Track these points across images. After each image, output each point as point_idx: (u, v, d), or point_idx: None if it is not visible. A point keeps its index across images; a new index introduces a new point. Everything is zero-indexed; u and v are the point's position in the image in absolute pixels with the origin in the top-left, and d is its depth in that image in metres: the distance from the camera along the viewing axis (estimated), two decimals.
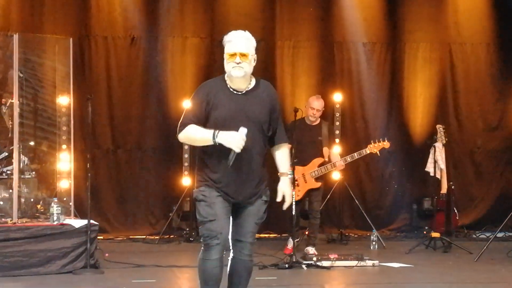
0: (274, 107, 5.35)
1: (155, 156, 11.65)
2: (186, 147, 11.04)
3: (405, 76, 12.14)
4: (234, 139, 5.05)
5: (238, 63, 5.13)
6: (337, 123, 11.35)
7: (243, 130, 5.06)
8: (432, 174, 10.77)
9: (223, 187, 5.21)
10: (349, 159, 9.73)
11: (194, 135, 5.18)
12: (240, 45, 5.17)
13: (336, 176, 11.19)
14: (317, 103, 9.68)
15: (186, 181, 11.03)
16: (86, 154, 9.68)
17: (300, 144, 9.22)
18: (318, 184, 9.63)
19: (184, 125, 5.22)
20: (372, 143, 9.73)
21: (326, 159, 9.71)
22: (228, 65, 5.16)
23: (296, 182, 9.40)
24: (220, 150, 5.13)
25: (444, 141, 10.87)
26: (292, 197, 5.37)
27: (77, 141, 10.52)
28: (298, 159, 9.20)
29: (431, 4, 12.10)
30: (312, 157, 9.54)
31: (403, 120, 12.10)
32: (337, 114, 11.41)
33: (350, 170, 11.64)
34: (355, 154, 9.74)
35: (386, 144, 9.78)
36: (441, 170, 10.93)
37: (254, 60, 5.26)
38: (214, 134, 5.07)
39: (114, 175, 11.66)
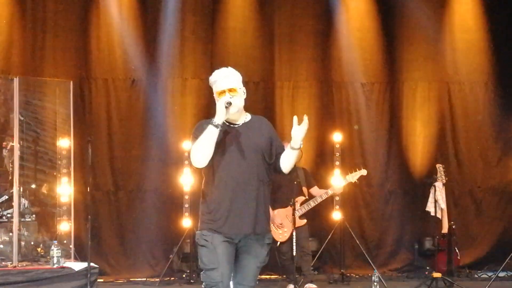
0: (273, 136, 5.36)
1: (156, 198, 11.60)
2: (186, 188, 10.98)
3: (404, 115, 12.13)
4: (220, 104, 5.10)
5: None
6: (337, 163, 11.31)
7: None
8: (432, 213, 10.70)
9: (225, 222, 5.13)
10: (330, 192, 9.92)
11: (200, 143, 5.11)
12: (226, 81, 5.22)
13: (336, 216, 11.16)
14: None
15: (186, 222, 10.95)
16: (87, 196, 9.66)
17: (279, 187, 9.34)
18: (303, 222, 9.72)
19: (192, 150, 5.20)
20: (350, 173, 9.91)
21: (307, 197, 9.82)
22: (218, 102, 5.17)
23: (280, 224, 9.49)
24: (221, 183, 5.13)
25: (444, 181, 10.83)
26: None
27: (77, 183, 10.51)
28: (279, 202, 9.32)
29: (428, 43, 12.13)
30: (291, 197, 9.51)
31: (402, 159, 12.06)
32: (337, 154, 11.37)
33: (350, 210, 11.60)
34: (335, 186, 10.02)
35: (363, 172, 9.97)
36: (441, 209, 10.88)
37: (244, 92, 5.31)
38: (211, 122, 5.06)
39: (114, 216, 11.60)
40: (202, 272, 5.22)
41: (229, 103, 5.11)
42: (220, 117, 5.09)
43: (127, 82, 11.69)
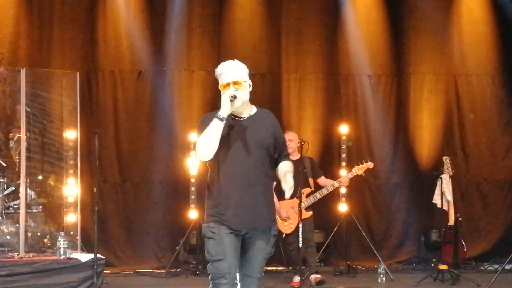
0: (278, 133, 5.34)
1: (162, 189, 11.61)
2: (193, 180, 10.99)
3: (411, 107, 12.11)
4: (225, 97, 5.07)
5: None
6: (344, 155, 11.30)
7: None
8: (439, 206, 10.69)
9: (231, 216, 5.12)
10: (336, 184, 9.89)
11: (206, 136, 5.08)
12: (231, 74, 5.18)
13: (343, 208, 11.17)
14: (288, 135, 9.69)
15: (193, 214, 10.96)
16: (93, 187, 9.67)
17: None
18: (309, 214, 9.68)
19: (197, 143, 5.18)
20: (356, 166, 9.90)
21: (313, 189, 9.80)
22: (223, 95, 5.15)
23: (286, 216, 9.49)
24: (227, 177, 5.12)
25: (451, 173, 10.81)
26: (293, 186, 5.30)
27: (84, 175, 10.53)
28: (285, 193, 9.24)
29: (436, 35, 12.09)
30: (298, 189, 9.47)
31: (409, 151, 12.05)
32: (343, 146, 11.37)
33: (357, 202, 11.60)
34: (342, 178, 10.02)
35: (370, 165, 9.96)
36: (448, 202, 10.85)
37: (250, 86, 5.27)
38: (216, 116, 5.05)
39: (121, 208, 11.60)
40: (208, 264, 5.21)
41: (234, 97, 5.08)
42: (224, 110, 5.07)
43: (134, 74, 11.68)
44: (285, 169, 5.25)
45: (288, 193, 5.23)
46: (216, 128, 5.06)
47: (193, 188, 10.99)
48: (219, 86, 5.23)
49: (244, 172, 5.13)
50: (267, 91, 11.81)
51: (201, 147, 5.12)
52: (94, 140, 9.21)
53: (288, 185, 5.21)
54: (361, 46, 12.02)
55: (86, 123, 10.72)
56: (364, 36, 12.02)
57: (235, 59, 5.29)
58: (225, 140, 5.12)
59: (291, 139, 9.78)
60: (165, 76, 11.69)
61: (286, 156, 5.41)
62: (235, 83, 5.16)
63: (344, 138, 11.41)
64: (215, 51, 11.79)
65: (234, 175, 5.13)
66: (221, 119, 5.05)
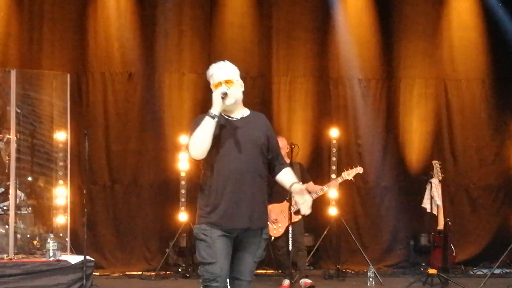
0: (270, 135, 5.35)
1: (152, 192, 11.58)
2: (183, 182, 10.97)
3: (401, 111, 12.11)
4: (215, 95, 5.08)
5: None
6: (334, 159, 11.30)
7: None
8: (428, 210, 10.71)
9: (223, 215, 5.11)
10: (325, 188, 9.84)
11: (198, 134, 5.06)
12: (222, 73, 5.22)
13: (332, 212, 11.16)
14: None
15: (183, 216, 10.93)
16: (83, 189, 9.63)
17: (275, 182, 9.25)
18: (298, 217, 9.64)
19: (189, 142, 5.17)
20: (346, 171, 9.84)
21: None
22: (214, 93, 5.15)
23: (275, 219, 9.47)
24: (219, 177, 5.11)
25: (441, 177, 10.83)
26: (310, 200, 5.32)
27: (74, 176, 10.51)
28: (274, 196, 9.23)
29: (426, 40, 12.11)
30: (287, 193, 9.43)
31: (399, 155, 12.04)
32: (334, 150, 11.36)
33: (346, 206, 11.59)
34: (331, 183, 9.99)
35: (360, 170, 9.88)
36: (437, 206, 10.87)
37: (241, 85, 5.29)
38: (208, 113, 5.04)
39: (110, 210, 11.56)
40: (200, 266, 5.18)
41: (225, 94, 5.08)
42: (216, 107, 5.05)
43: (124, 75, 11.64)
44: (300, 187, 5.27)
45: (305, 210, 5.22)
46: (208, 126, 5.04)
47: (183, 191, 10.97)
48: (211, 87, 5.22)
49: (237, 172, 5.12)
50: (258, 94, 11.79)
51: (194, 145, 5.10)
52: (84, 142, 9.17)
53: (306, 203, 5.22)
54: (352, 50, 12.01)
55: (76, 124, 10.70)
56: (355, 40, 12.02)
57: (226, 60, 5.29)
58: (218, 139, 5.12)
59: (280, 147, 9.73)
60: (156, 78, 11.66)
61: (285, 164, 5.43)
62: (227, 81, 5.19)
63: (334, 142, 11.40)
64: (205, 53, 11.77)
65: (227, 175, 5.12)
66: (213, 117, 5.04)
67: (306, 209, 5.23)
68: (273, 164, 5.37)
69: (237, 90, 5.21)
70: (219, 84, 5.17)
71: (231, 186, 5.11)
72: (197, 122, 5.16)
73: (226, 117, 5.21)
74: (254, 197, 5.18)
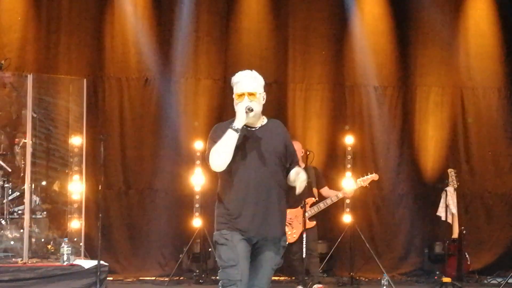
0: (288, 142, 5.37)
1: (167, 197, 11.55)
2: (197, 188, 10.95)
3: (417, 119, 12.05)
4: (240, 109, 5.10)
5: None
6: (349, 165, 11.25)
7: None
8: (443, 218, 10.66)
9: (244, 223, 5.13)
10: (340, 195, 9.81)
11: (220, 147, 5.09)
12: (247, 84, 5.20)
13: (347, 219, 11.10)
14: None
15: (197, 222, 10.90)
16: (98, 194, 9.63)
17: (290, 187, 9.22)
18: (312, 224, 9.60)
19: (209, 152, 5.17)
20: (361, 177, 9.82)
21: (317, 199, 9.72)
22: (238, 106, 5.17)
23: (289, 225, 9.45)
24: (240, 187, 5.13)
25: (456, 185, 10.78)
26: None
27: (89, 181, 10.50)
28: (289, 202, 9.17)
29: (442, 48, 12.05)
30: (303, 198, 9.39)
31: (414, 163, 11.99)
32: (349, 157, 11.31)
33: (361, 213, 11.53)
34: (346, 189, 9.91)
35: (375, 177, 9.87)
36: (452, 214, 10.80)
37: (264, 98, 5.29)
38: (231, 127, 5.07)
39: (125, 215, 11.56)
40: (220, 271, 5.17)
41: (251, 109, 5.11)
42: (240, 121, 5.10)
43: (141, 81, 11.65)
44: (296, 170, 5.31)
45: (298, 189, 5.24)
46: (230, 139, 5.08)
47: (197, 197, 10.95)
48: (234, 95, 5.21)
49: (258, 181, 5.16)
50: (273, 100, 11.73)
51: (216, 157, 5.12)
52: (100, 147, 9.18)
53: (300, 179, 5.22)
54: (368, 57, 11.97)
55: (92, 129, 10.70)
56: (371, 47, 11.98)
57: (253, 70, 5.29)
58: (239, 149, 5.15)
59: (296, 149, 9.72)
60: (172, 83, 11.65)
61: (296, 163, 5.45)
62: (250, 94, 5.18)
63: (349, 148, 11.35)
64: (221, 59, 11.76)
65: (248, 184, 5.15)
66: (236, 130, 5.08)
67: (299, 187, 5.25)
68: (289, 170, 5.38)
69: (258, 104, 5.21)
70: (242, 95, 5.17)
71: (252, 195, 5.14)
72: (216, 132, 5.20)
73: (245, 126, 5.22)
74: (274, 206, 5.21)
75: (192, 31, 11.74)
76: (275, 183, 5.22)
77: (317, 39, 12.00)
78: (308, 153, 9.47)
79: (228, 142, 5.08)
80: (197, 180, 10.94)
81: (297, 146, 9.69)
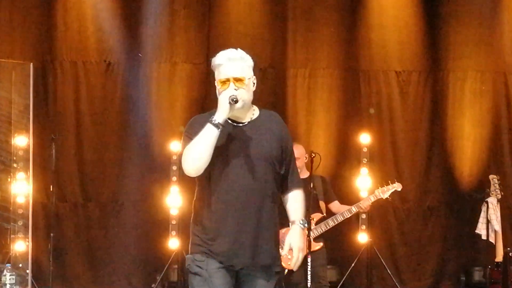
0: (285, 140, 5.31)
1: (135, 212, 11.59)
2: (173, 201, 10.96)
3: (449, 113, 12.10)
4: (223, 98, 5.03)
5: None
6: (365, 172, 11.29)
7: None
8: (484, 237, 10.69)
9: (223, 247, 5.09)
10: (354, 209, 9.70)
11: (195, 146, 5.02)
12: (232, 68, 5.13)
13: (362, 238, 11.14)
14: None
15: (173, 243, 10.93)
16: (49, 208, 9.65)
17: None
18: (319, 245, 9.61)
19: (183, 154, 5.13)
20: (380, 187, 9.80)
21: (325, 214, 9.75)
22: (221, 95, 5.08)
23: (290, 248, 9.44)
24: (220, 199, 5.09)
25: (500, 196, 10.81)
26: (302, 255, 5.35)
27: (38, 192, 10.50)
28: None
29: (482, 24, 12.09)
30: (307, 214, 9.38)
31: (446, 168, 12.04)
32: (364, 160, 11.37)
33: (380, 231, 11.58)
34: (362, 202, 9.80)
35: (398, 186, 9.85)
36: (495, 232, 10.84)
37: (254, 84, 5.22)
38: (211, 121, 4.99)
39: (83, 234, 11.58)
40: None
41: (235, 100, 5.01)
42: (221, 114, 5.00)
43: (101, 66, 11.69)
44: (298, 233, 5.33)
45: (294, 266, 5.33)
46: (209, 137, 4.99)
47: (174, 211, 10.96)
48: (215, 82, 5.18)
49: (243, 194, 5.10)
50: (268, 90, 11.79)
51: (189, 160, 5.05)
52: (51, 149, 9.19)
53: (294, 260, 5.30)
54: (388, 35, 12.04)
55: (41, 127, 10.74)
56: (392, 23, 12.04)
57: (239, 49, 5.24)
58: (220, 151, 5.07)
59: (297, 157, 9.72)
60: (141, 69, 11.68)
61: (297, 183, 5.39)
62: (236, 79, 5.10)
63: (365, 150, 11.39)
64: (203, 39, 11.79)
65: (230, 197, 5.10)
66: (217, 126, 4.99)
67: (294, 265, 5.33)
68: (284, 179, 5.33)
69: (247, 92, 5.15)
70: (227, 81, 5.09)
71: (235, 211, 5.09)
72: (193, 126, 5.14)
73: (230, 121, 5.16)
74: (264, 226, 5.17)
75: (166, 4, 11.78)
76: (264, 196, 5.15)
77: (323, 13, 12.05)
78: (313, 156, 9.49)
79: (205, 140, 5.00)
80: (174, 190, 10.96)
81: (299, 150, 9.70)
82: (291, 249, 9.04)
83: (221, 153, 5.08)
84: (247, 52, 5.28)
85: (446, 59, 12.16)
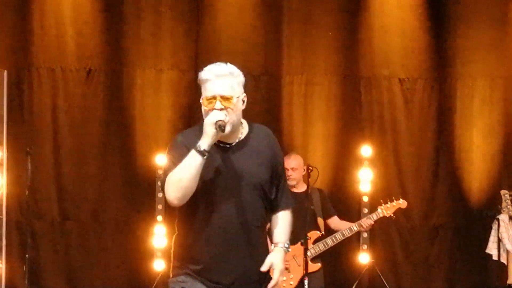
0: (276, 160, 5.30)
1: (118, 231, 11.57)
2: (159, 218, 10.95)
3: (457, 123, 12.11)
4: (209, 124, 4.97)
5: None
6: (366, 187, 11.27)
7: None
8: (495, 257, 10.67)
9: (211, 274, 5.11)
10: (355, 228, 9.82)
11: (179, 174, 4.98)
12: (219, 85, 5.08)
13: (364, 259, 11.12)
14: (290, 161, 9.65)
15: (158, 265, 10.91)
16: (23, 227, 9.60)
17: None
18: (317, 266, 9.62)
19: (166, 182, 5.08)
20: (384, 204, 9.87)
21: (323, 233, 9.71)
22: (207, 118, 5.03)
23: (285, 268, 9.43)
24: (205, 228, 5.08)
25: None
26: (281, 279, 5.31)
27: (12, 210, 10.46)
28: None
29: (492, 27, 12.10)
30: (303, 232, 9.38)
31: (454, 183, 12.04)
32: (366, 174, 11.35)
33: (383, 251, 11.56)
34: (363, 221, 9.90)
35: (402, 204, 9.96)
36: (507, 252, 10.82)
37: (243, 102, 5.18)
38: (196, 147, 4.95)
39: (61, 255, 11.54)
40: None
41: (223, 128, 4.98)
42: (207, 141, 4.97)
43: (81, 73, 11.65)
44: (280, 257, 5.27)
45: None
46: (194, 165, 4.97)
47: (159, 230, 10.93)
48: (201, 99, 5.12)
49: (229, 222, 5.11)
50: (261, 99, 11.78)
51: (173, 187, 5.03)
52: (26, 163, 9.15)
53: (273, 282, 5.21)
54: (391, 40, 12.04)
55: (16, 139, 10.69)
56: (395, 26, 12.05)
57: (228, 63, 5.18)
58: (205, 177, 5.05)
59: (294, 167, 9.74)
60: (123, 76, 11.66)
61: (286, 204, 5.37)
62: (224, 98, 5.06)
63: (366, 163, 11.37)
64: (191, 43, 11.76)
65: (214, 225, 5.10)
66: (202, 153, 4.96)
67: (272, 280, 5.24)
68: (273, 200, 5.33)
69: (235, 113, 5.10)
70: (213, 99, 5.05)
71: (219, 240, 5.11)
72: (176, 149, 5.12)
73: (217, 143, 5.11)
74: (251, 255, 5.19)
75: (151, 6, 11.77)
76: (252, 224, 5.16)
77: (321, 15, 12.04)
78: (310, 170, 9.47)
79: (190, 169, 4.97)
80: (159, 207, 10.94)
81: (297, 162, 9.73)
82: (286, 268, 9.04)
83: (205, 180, 5.07)
84: (238, 58, 5.24)
85: (453, 65, 12.17)
